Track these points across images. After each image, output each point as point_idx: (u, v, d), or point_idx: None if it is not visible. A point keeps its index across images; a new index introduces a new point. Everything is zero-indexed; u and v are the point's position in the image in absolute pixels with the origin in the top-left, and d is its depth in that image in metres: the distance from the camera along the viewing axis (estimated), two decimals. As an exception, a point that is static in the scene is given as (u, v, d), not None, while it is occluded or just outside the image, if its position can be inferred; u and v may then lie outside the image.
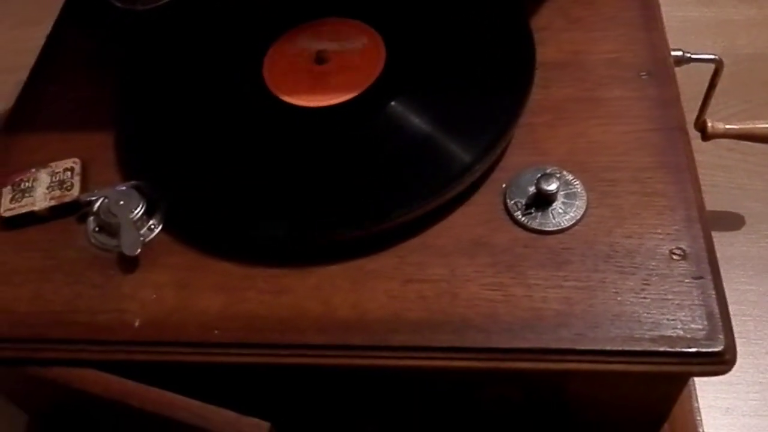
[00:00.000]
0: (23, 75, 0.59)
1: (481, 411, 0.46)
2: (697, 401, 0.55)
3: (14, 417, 0.58)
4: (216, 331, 0.41)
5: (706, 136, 0.57)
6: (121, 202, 0.45)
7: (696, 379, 0.57)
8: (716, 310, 0.38)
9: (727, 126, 0.57)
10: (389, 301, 0.41)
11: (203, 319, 0.41)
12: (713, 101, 0.58)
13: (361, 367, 0.40)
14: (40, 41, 0.58)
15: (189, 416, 0.39)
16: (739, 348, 0.39)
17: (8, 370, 0.43)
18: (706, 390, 0.57)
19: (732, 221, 0.66)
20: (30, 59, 0.59)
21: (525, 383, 0.43)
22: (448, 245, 0.42)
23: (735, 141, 0.65)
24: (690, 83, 0.50)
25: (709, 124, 0.57)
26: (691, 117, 0.53)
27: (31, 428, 0.56)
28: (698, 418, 0.54)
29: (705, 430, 0.54)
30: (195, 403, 0.40)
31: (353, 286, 0.41)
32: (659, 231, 0.42)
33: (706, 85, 0.57)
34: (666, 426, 0.51)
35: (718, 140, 0.62)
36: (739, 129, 0.57)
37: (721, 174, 0.69)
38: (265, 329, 0.40)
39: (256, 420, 0.39)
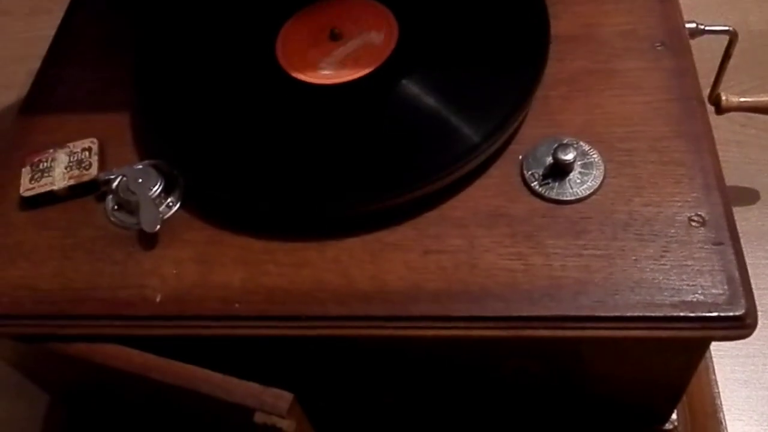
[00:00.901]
0: (34, 64, 0.59)
1: (501, 384, 0.46)
2: (715, 374, 0.55)
3: (35, 398, 0.59)
4: (237, 305, 0.41)
5: (720, 109, 0.57)
6: (140, 180, 0.45)
7: (713, 351, 0.57)
8: (736, 275, 0.38)
9: (742, 99, 0.57)
10: (408, 272, 0.41)
11: (224, 292, 0.41)
12: (725, 78, 0.58)
13: (382, 337, 0.40)
14: (51, 30, 0.59)
15: (211, 388, 0.40)
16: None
17: (31, 347, 0.43)
18: (723, 363, 0.57)
19: (746, 196, 0.66)
20: (41, 48, 0.60)
21: (544, 356, 0.43)
22: (466, 217, 0.42)
23: (748, 116, 0.65)
24: (702, 59, 0.50)
25: (724, 98, 0.57)
26: (704, 94, 0.53)
27: (52, 408, 0.57)
28: (716, 390, 0.55)
29: (723, 402, 0.54)
30: (217, 376, 0.40)
31: (372, 258, 0.42)
32: (678, 199, 0.42)
33: (718, 61, 0.57)
34: (684, 398, 0.51)
35: (731, 116, 0.61)
36: (754, 102, 0.57)
37: (735, 149, 0.69)
38: (285, 302, 0.41)
39: (279, 391, 0.39)
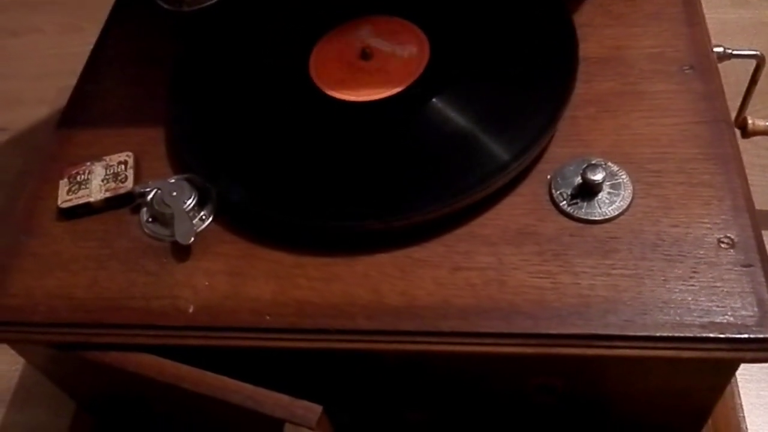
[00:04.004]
0: (66, 80, 0.60)
1: (525, 401, 0.46)
2: (740, 398, 0.55)
3: (61, 407, 0.59)
4: (268, 317, 0.42)
5: (746, 132, 0.57)
6: (174, 193, 0.46)
7: (739, 376, 0.56)
8: (767, 297, 0.39)
9: (768, 123, 0.57)
10: (437, 289, 0.41)
11: (255, 305, 0.42)
12: (751, 102, 0.59)
13: (410, 352, 0.41)
14: (82, 48, 0.60)
15: (242, 399, 0.40)
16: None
17: (64, 354, 0.44)
18: (749, 387, 0.57)
19: (771, 220, 0.66)
20: (72, 65, 0.61)
21: (569, 374, 0.43)
22: (495, 234, 0.43)
23: (773, 140, 0.65)
24: (729, 83, 0.51)
25: (750, 121, 0.57)
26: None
27: (77, 418, 0.57)
28: (741, 414, 0.54)
29: (748, 426, 0.54)
30: (248, 387, 0.40)
31: (402, 273, 0.42)
32: (706, 220, 0.42)
33: (745, 86, 0.57)
34: (709, 422, 0.50)
35: (756, 140, 0.62)
36: (781, 126, 0.57)
37: (759, 173, 0.68)
38: (315, 315, 0.41)
39: (308, 403, 0.39)
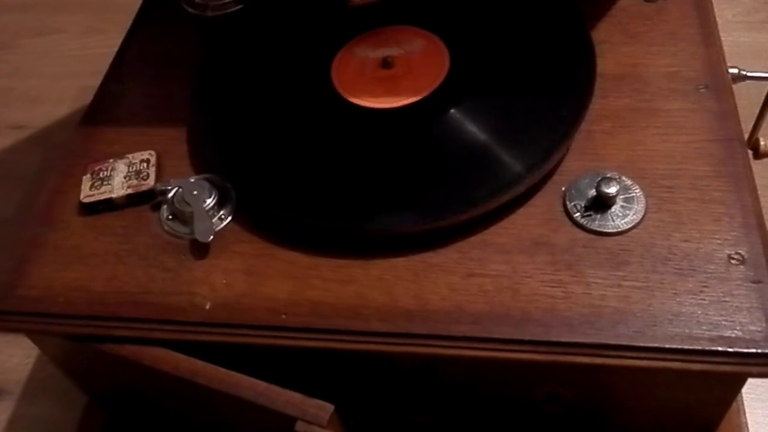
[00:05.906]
0: (86, 80, 0.61)
1: (533, 409, 0.46)
2: (746, 416, 0.55)
3: (73, 401, 0.60)
4: (283, 316, 0.42)
5: (758, 154, 0.58)
6: (195, 192, 0.47)
7: (744, 394, 0.57)
8: (775, 313, 0.39)
9: (780, 145, 0.58)
10: (451, 294, 0.42)
11: (271, 304, 0.43)
12: (764, 124, 0.59)
13: (422, 355, 0.41)
14: (104, 49, 0.61)
15: (255, 396, 0.41)
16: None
17: (80, 346, 0.45)
18: (754, 406, 0.57)
19: (781, 242, 0.66)
20: (93, 65, 0.62)
21: (578, 383, 0.44)
22: (509, 243, 0.44)
23: (784, 162, 0.65)
24: (742, 105, 0.52)
25: (762, 142, 0.58)
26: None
27: (88, 412, 0.58)
28: (746, 433, 0.54)
29: (753, 446, 0.54)
30: (261, 384, 0.41)
31: (416, 278, 0.43)
32: (717, 236, 0.43)
33: (758, 107, 0.58)
34: (714, 438, 0.51)
35: (766, 161, 0.62)
36: (792, 148, 0.58)
37: (770, 195, 0.69)
38: (330, 315, 0.42)
39: (320, 402, 0.40)
